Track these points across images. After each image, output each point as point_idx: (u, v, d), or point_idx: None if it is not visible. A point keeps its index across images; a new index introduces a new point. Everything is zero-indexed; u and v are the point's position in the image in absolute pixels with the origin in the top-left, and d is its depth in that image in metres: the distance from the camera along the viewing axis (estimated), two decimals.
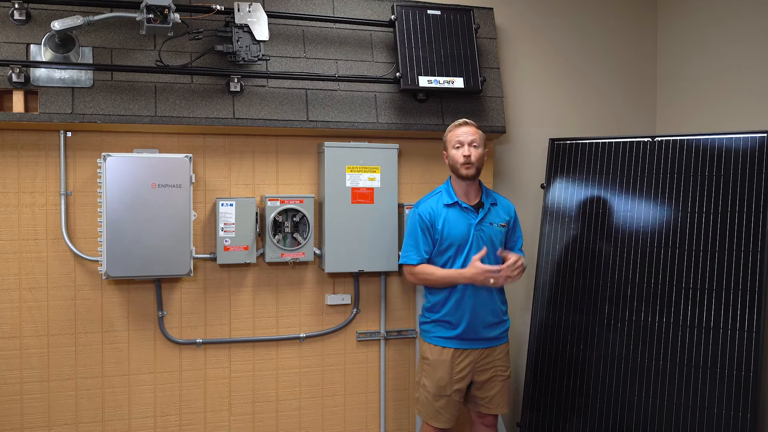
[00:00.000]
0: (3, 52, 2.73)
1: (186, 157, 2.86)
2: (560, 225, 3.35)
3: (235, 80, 2.97)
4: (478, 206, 2.88)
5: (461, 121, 2.89)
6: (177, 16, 2.65)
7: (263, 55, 2.98)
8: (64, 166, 2.89)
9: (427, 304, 2.94)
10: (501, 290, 2.91)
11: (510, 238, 2.97)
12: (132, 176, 2.78)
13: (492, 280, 2.70)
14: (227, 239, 2.97)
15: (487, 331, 2.85)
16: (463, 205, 2.85)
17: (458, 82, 3.19)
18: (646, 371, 3.03)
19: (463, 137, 2.83)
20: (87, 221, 2.93)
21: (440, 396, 2.85)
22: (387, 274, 3.34)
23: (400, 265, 2.99)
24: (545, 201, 3.41)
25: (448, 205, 2.86)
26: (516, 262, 2.73)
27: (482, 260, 2.77)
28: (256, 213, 3.03)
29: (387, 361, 3.37)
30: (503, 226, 2.90)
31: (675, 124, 3.77)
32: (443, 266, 2.85)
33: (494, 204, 2.92)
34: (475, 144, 2.82)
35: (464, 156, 2.80)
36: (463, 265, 2.80)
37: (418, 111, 3.24)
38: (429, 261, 2.87)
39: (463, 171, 2.82)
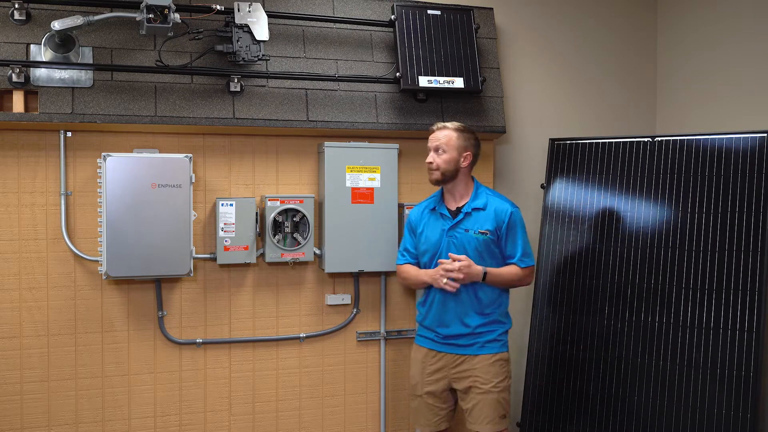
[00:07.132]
0: (3, 52, 2.73)
1: (186, 157, 2.86)
2: (560, 225, 3.35)
3: (235, 80, 2.97)
4: (458, 212, 2.79)
5: (437, 125, 2.83)
6: (177, 16, 2.65)
7: (263, 55, 2.98)
8: (64, 166, 2.89)
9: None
10: (480, 301, 2.74)
11: (505, 246, 2.75)
12: (132, 176, 2.78)
13: (444, 281, 2.62)
14: (227, 239, 2.97)
15: (456, 339, 2.75)
16: (441, 210, 2.81)
17: (458, 82, 3.19)
18: (647, 372, 3.03)
19: (431, 143, 2.79)
20: (87, 221, 2.93)
21: (414, 396, 2.87)
22: (387, 274, 3.33)
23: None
24: (545, 201, 3.41)
25: (431, 210, 2.85)
26: (451, 265, 2.64)
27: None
28: (256, 213, 3.02)
29: (387, 361, 3.36)
30: (483, 233, 2.71)
31: (675, 124, 3.77)
32: None
33: (479, 209, 2.74)
34: (441, 149, 2.73)
35: (427, 162, 2.78)
36: None
37: (418, 111, 3.24)
38: (417, 263, 2.90)
39: (429, 177, 2.80)
